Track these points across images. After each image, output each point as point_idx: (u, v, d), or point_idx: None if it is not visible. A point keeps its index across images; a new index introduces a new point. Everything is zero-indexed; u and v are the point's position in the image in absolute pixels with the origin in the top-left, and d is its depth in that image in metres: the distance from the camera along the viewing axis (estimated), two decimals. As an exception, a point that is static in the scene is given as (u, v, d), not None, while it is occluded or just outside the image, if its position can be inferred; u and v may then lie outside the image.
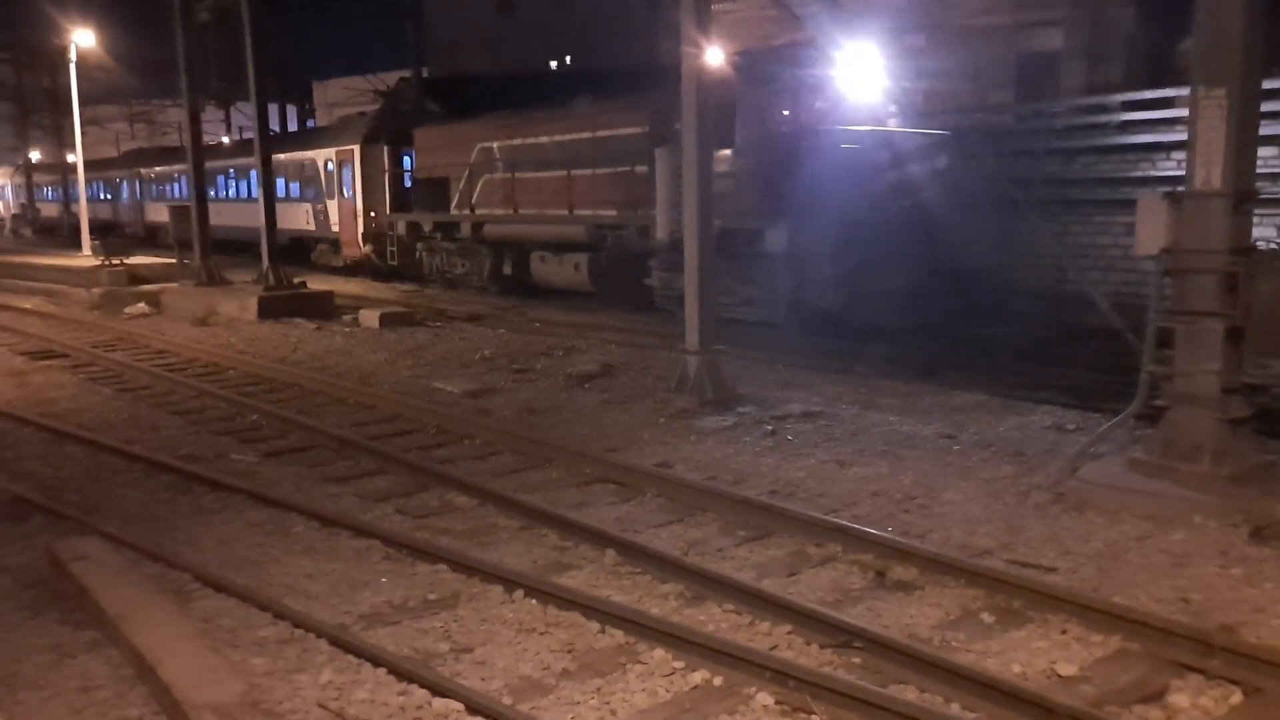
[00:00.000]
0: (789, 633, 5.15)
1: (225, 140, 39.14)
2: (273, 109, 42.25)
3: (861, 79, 14.34)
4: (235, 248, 26.02)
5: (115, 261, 22.66)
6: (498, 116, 20.47)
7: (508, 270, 20.14)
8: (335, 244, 25.38)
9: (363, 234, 24.30)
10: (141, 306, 19.04)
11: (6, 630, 5.26)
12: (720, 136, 13.13)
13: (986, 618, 5.33)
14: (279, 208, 27.71)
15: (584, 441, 9.06)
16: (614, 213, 16.95)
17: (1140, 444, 7.65)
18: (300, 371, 12.56)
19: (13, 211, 47.34)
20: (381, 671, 4.75)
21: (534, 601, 5.57)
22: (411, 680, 4.64)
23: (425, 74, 35.39)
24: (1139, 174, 16.67)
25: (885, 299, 13.35)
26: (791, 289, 13.94)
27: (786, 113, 14.58)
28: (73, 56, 27.78)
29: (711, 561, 6.13)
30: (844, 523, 6.65)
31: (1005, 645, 5.01)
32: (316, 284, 19.86)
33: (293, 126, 46.98)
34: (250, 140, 33.20)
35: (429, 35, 43.18)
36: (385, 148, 23.62)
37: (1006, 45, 22.63)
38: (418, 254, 22.76)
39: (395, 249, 23.30)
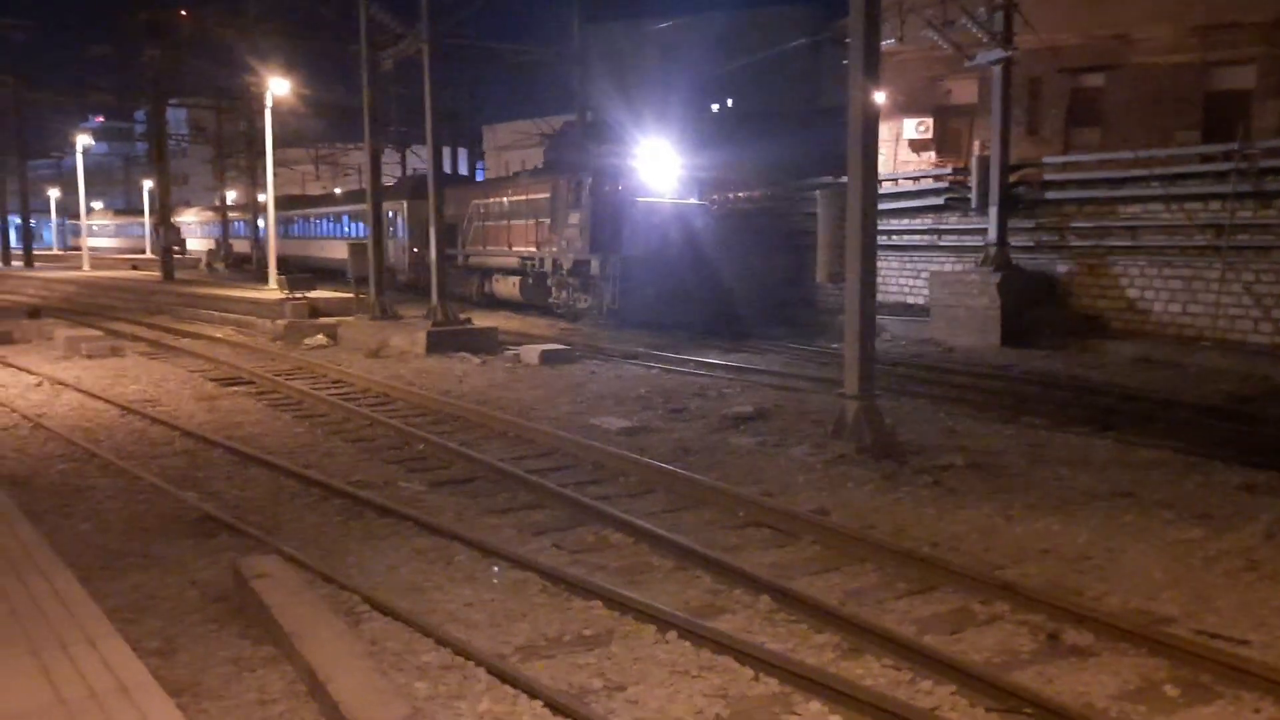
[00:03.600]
0: (953, 693, 4.94)
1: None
2: (445, 152, 44.37)
3: (657, 167, 22.04)
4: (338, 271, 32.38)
5: (298, 295, 24.04)
6: (482, 183, 30.31)
7: (486, 289, 27.64)
8: (392, 272, 31.02)
9: (409, 264, 31.76)
10: (320, 338, 20.11)
11: (194, 641, 5.60)
12: (576, 201, 22.44)
13: (1170, 690, 4.98)
14: (335, 245, 35.19)
15: (738, 484, 9.00)
16: (533, 249, 24.38)
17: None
18: (464, 404, 12.97)
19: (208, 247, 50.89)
20: (538, 704, 4.81)
21: (687, 644, 5.54)
22: (567, 715, 4.69)
23: (589, 118, 36.36)
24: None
25: (655, 304, 20.79)
26: (606, 297, 21.55)
27: (608, 189, 22.13)
28: (268, 104, 29.75)
29: (870, 613, 5.96)
30: (1012, 580, 6.37)
31: (1191, 722, 4.67)
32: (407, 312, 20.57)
33: (463, 168, 49.08)
34: (360, 190, 38.78)
35: (593, 81, 44.35)
36: (422, 201, 29.61)
37: (1193, 83, 21.53)
38: None
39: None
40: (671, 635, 5.64)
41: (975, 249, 20.69)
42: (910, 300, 22.64)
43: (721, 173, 27.76)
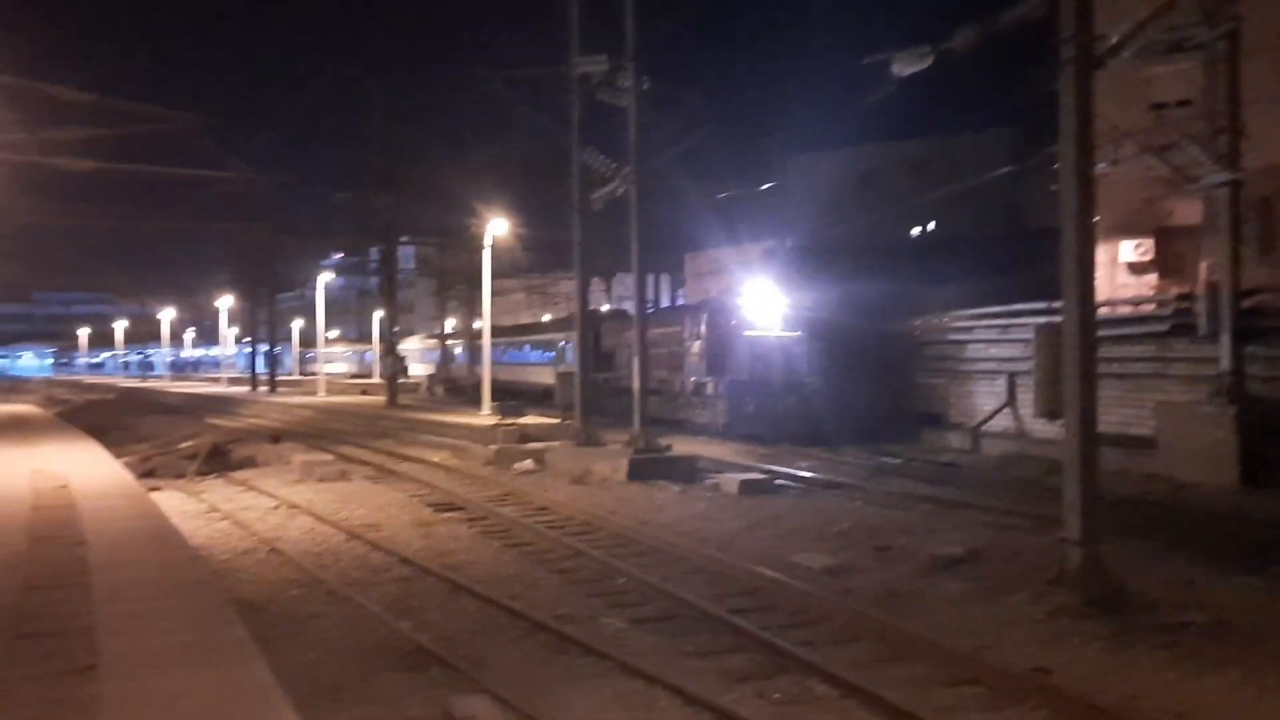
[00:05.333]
0: None
1: (605, 308, 43.60)
2: (648, 280, 45.89)
3: (763, 306, 26.39)
4: (535, 394, 36.70)
5: (509, 421, 25.10)
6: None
7: None
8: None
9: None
10: (528, 463, 20.82)
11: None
12: (697, 334, 27.50)
13: None
14: (534, 370, 40.41)
15: (950, 635, 8.56)
16: (667, 373, 28.61)
17: None
18: (664, 535, 13.02)
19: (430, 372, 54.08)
20: None
21: (900, 818, 5.24)
22: None
23: (789, 244, 36.86)
24: None
25: (759, 421, 24.97)
26: (719, 412, 25.88)
27: (722, 323, 26.75)
28: (487, 244, 31.76)
29: (1103, 796, 5.47)
30: (1269, 766, 5.71)
31: None
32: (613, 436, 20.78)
33: (665, 294, 50.51)
34: (552, 320, 41.79)
35: (793, 207, 45.01)
36: (590, 332, 33.50)
37: None
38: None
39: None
40: (882, 807, 5.36)
41: (1206, 378, 19.28)
42: (1133, 432, 21.21)
43: (900, 300, 28.51)
